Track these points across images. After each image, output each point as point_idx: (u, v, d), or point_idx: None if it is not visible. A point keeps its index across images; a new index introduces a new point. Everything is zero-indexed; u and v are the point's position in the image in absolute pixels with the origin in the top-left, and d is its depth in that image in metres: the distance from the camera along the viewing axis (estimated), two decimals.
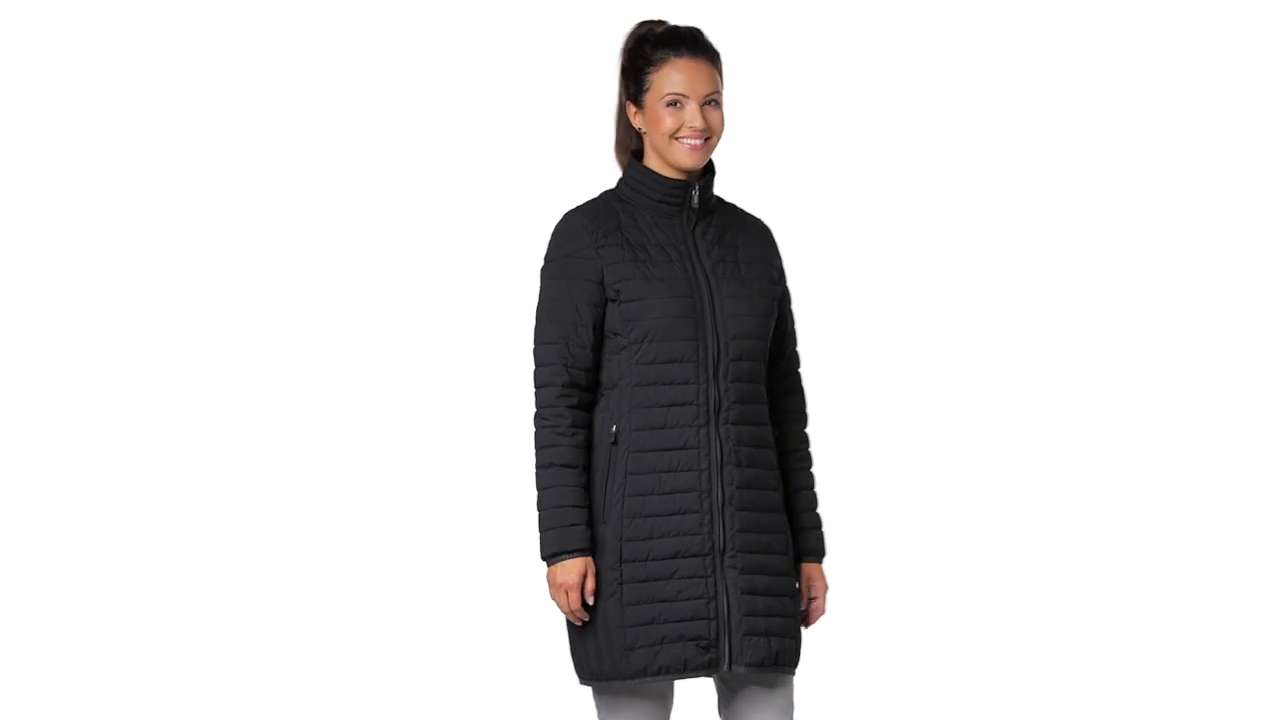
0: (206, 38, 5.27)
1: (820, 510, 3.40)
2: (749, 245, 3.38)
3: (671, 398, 3.28)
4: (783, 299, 3.40)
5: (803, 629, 3.34)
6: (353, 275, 5.30)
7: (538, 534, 3.28)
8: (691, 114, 3.28)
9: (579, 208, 3.37)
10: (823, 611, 3.39)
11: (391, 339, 5.29)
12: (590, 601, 3.25)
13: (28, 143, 5.21)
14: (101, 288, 5.25)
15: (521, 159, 5.22)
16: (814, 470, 3.42)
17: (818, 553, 3.39)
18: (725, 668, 3.23)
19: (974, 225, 5.32)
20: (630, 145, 3.40)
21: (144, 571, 5.21)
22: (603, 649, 3.26)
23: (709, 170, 3.38)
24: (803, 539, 3.37)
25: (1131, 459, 5.27)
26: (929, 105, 5.32)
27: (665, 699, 3.34)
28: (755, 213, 3.44)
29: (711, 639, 3.23)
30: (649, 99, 3.32)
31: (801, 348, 3.44)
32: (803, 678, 3.32)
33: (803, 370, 3.42)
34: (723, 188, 3.40)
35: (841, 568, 3.65)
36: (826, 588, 3.39)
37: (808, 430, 3.43)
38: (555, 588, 3.26)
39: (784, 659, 3.26)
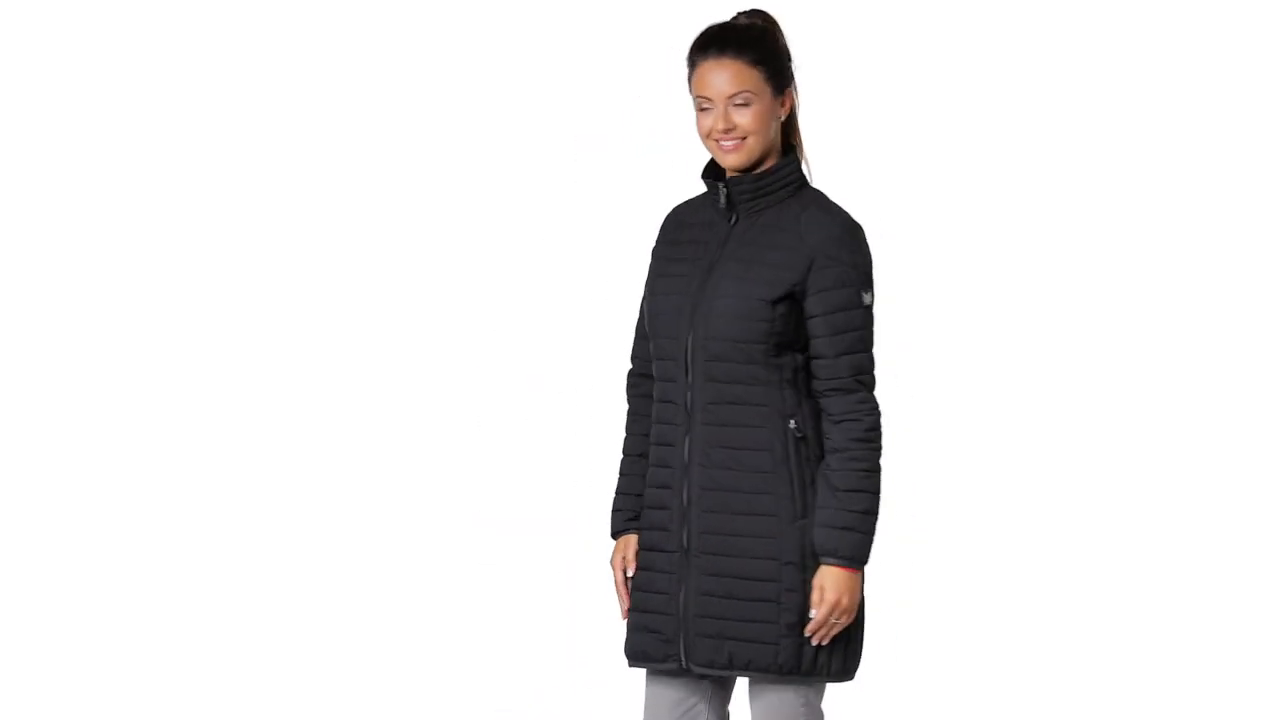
0: (204, 36, 5.29)
1: (843, 509, 3.21)
2: (776, 240, 3.28)
3: (663, 394, 3.33)
4: (818, 298, 3.22)
5: (813, 636, 3.23)
6: (352, 275, 5.33)
7: None
8: (715, 117, 3.26)
9: (684, 203, 3.43)
10: (821, 623, 3.23)
11: (392, 339, 5.31)
12: (629, 574, 3.38)
13: (26, 142, 5.24)
14: (99, 287, 5.28)
15: (532, 159, 5.24)
16: (851, 469, 3.21)
17: (824, 551, 3.22)
18: (684, 665, 3.28)
19: (975, 227, 5.35)
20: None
21: (140, 571, 5.25)
22: None
23: (785, 162, 3.27)
24: (814, 535, 3.23)
25: (1134, 460, 5.31)
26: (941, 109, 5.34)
27: (687, 691, 3.35)
28: (855, 210, 3.28)
29: (669, 635, 3.29)
30: (694, 102, 3.33)
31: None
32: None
33: (863, 379, 3.22)
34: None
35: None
36: (826, 596, 3.23)
37: (854, 436, 3.21)
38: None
39: (739, 663, 3.24)
